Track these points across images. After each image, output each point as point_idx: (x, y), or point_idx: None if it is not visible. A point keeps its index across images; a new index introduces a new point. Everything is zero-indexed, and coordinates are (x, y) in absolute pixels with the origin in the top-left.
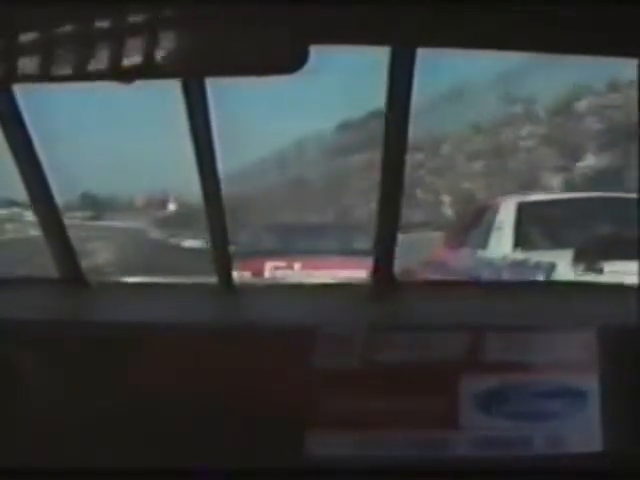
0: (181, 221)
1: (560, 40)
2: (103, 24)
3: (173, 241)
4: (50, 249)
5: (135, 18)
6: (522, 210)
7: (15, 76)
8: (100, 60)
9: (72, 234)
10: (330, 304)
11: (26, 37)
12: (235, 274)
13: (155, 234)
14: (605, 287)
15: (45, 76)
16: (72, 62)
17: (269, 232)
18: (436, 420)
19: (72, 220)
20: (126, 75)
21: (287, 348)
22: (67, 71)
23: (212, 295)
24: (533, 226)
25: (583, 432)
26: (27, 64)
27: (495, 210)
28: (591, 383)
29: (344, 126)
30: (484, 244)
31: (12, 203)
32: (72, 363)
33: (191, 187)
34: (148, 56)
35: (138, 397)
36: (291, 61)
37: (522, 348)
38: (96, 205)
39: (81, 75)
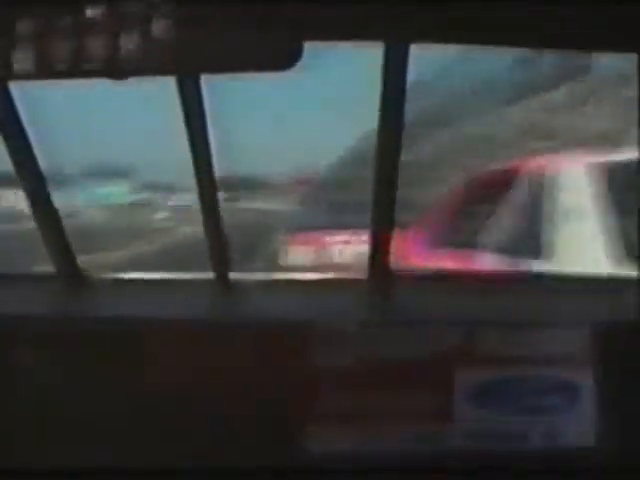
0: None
1: (559, 37)
2: (98, 21)
3: None
4: (46, 244)
5: (131, 14)
6: (608, 178)
7: (10, 72)
8: (96, 56)
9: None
10: (326, 299)
11: (21, 34)
12: (294, 250)
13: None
14: (602, 282)
15: (40, 73)
16: (68, 59)
17: (333, 205)
18: (432, 414)
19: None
20: (121, 71)
21: (284, 345)
22: (63, 67)
23: (209, 291)
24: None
25: (577, 427)
26: (22, 61)
27: (540, 178)
28: (586, 378)
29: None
30: (534, 249)
31: (151, 187)
32: (72, 359)
33: (336, 162)
34: (143, 53)
35: (136, 396)
36: (285, 57)
37: (517, 343)
38: (239, 186)
39: (77, 71)
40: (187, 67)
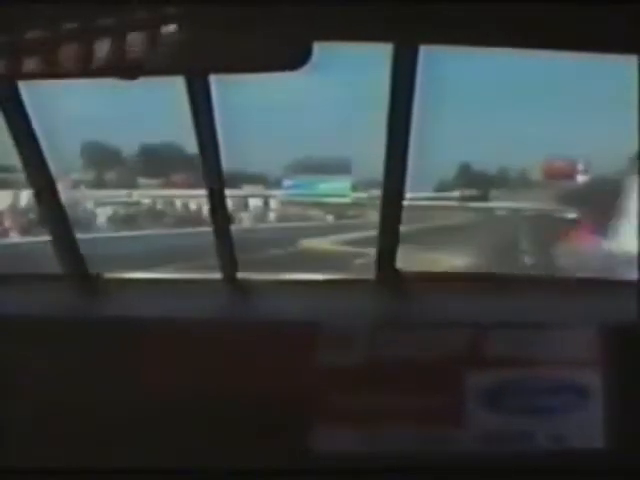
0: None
1: (560, 38)
2: (109, 21)
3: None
4: (56, 245)
5: (142, 15)
6: None
7: (20, 73)
8: (106, 57)
9: (442, 219)
10: (335, 300)
11: (32, 35)
12: None
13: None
14: (608, 284)
15: (50, 73)
16: (78, 59)
17: None
18: (441, 416)
19: (443, 202)
20: (132, 71)
21: (291, 345)
22: (73, 67)
23: (217, 291)
24: None
25: (586, 428)
26: (32, 61)
27: None
28: (594, 380)
29: None
30: None
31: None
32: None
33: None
34: (154, 53)
35: (137, 397)
36: (295, 58)
37: (526, 345)
38: (479, 182)
39: (87, 71)
40: (198, 67)
